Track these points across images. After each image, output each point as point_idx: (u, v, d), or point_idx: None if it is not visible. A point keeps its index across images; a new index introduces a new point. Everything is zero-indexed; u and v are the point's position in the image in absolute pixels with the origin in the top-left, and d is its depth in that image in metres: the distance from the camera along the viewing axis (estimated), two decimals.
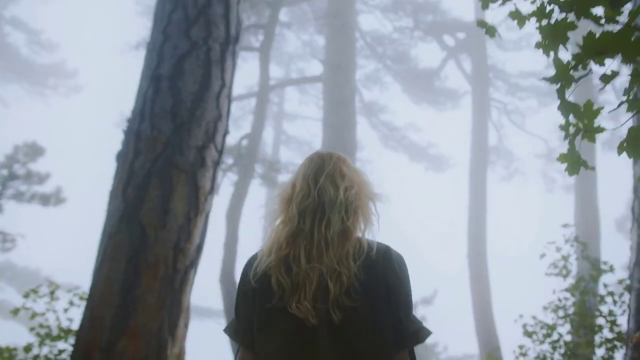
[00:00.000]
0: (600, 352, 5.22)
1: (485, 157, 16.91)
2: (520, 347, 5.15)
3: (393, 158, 21.71)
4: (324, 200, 1.62)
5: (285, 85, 15.77)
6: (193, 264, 4.45)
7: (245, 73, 19.76)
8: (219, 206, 11.91)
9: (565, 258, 5.74)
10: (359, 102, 20.45)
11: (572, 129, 1.97)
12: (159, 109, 4.57)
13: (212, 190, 4.78)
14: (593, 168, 2.01)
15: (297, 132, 23.18)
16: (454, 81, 19.02)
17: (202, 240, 4.60)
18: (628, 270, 4.35)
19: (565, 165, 1.98)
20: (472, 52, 17.08)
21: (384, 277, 1.58)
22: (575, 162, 1.96)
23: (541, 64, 21.00)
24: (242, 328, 1.67)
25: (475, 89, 17.27)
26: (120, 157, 4.48)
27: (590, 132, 1.93)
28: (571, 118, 1.96)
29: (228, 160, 12.56)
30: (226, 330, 1.73)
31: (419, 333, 1.60)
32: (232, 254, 10.81)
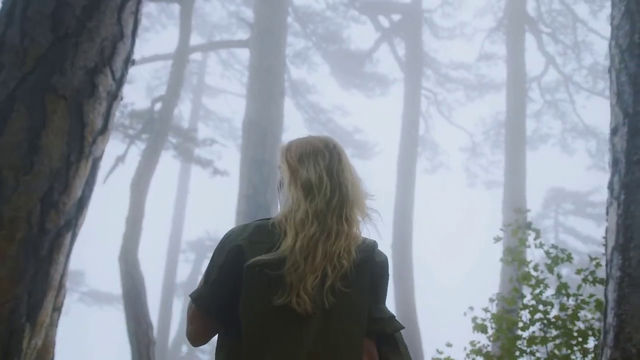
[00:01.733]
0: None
1: (414, 147, 16.44)
2: (473, 343, 4.41)
3: None
4: (345, 196, 1.69)
5: (207, 49, 14.43)
6: (70, 224, 3.27)
7: (164, 40, 18.14)
8: (124, 176, 10.49)
9: (522, 242, 5.08)
10: (285, 80, 19.42)
11: None
12: (34, 11, 3.33)
13: (105, 130, 3.58)
14: None
15: (217, 107, 21.81)
16: (385, 66, 18.47)
17: (86, 195, 3.42)
18: (605, 257, 3.73)
19: None
20: (407, 36, 16.54)
21: (372, 267, 1.69)
22: None
23: (472, 55, 20.94)
24: (215, 295, 1.63)
25: (408, 75, 16.74)
26: None
27: None
28: None
29: (138, 126, 11.14)
30: (194, 295, 1.67)
31: (384, 320, 1.68)
32: (135, 229, 9.47)
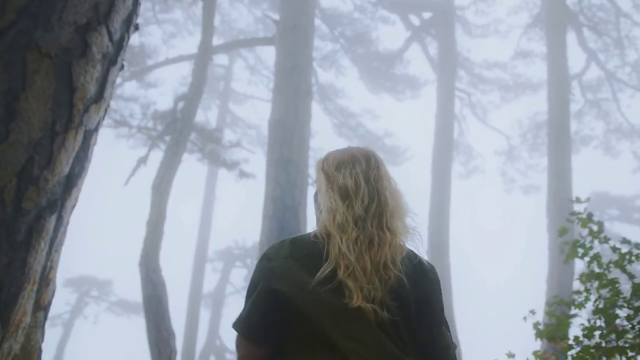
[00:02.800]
0: None
1: (449, 151, 15.71)
2: (538, 354, 3.72)
3: None
4: (384, 204, 1.65)
5: (231, 47, 14.03)
6: (55, 206, 2.74)
7: (190, 45, 17.88)
8: (146, 177, 10.08)
9: (593, 234, 4.39)
10: (313, 83, 18.97)
11: None
12: None
13: (101, 99, 3.06)
14: None
15: (245, 113, 21.45)
16: (416, 67, 17.84)
17: (76, 172, 2.90)
18: None
19: None
20: (439, 35, 15.89)
21: (416, 285, 1.59)
22: None
23: (507, 53, 20.10)
24: (254, 323, 1.60)
25: (441, 76, 16.07)
26: None
27: None
28: None
29: (161, 127, 10.76)
30: (236, 326, 1.65)
31: (449, 348, 1.61)
32: (156, 233, 9.02)
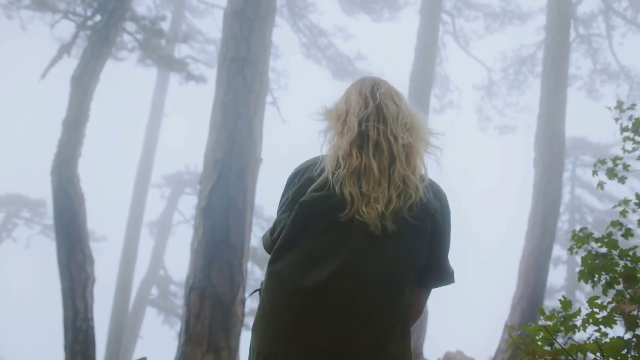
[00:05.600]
0: None
1: (429, 84, 14.05)
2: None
3: (314, 72, 18.53)
4: (385, 113, 1.65)
5: None
6: None
7: None
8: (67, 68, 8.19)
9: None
10: None
11: None
12: None
13: None
14: None
15: (204, 26, 19.19)
16: None
17: None
18: None
19: None
20: None
21: (435, 216, 1.61)
22: None
23: None
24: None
25: None
26: None
27: None
28: None
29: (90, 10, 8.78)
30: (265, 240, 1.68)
31: (453, 275, 1.71)
32: (75, 135, 7.27)
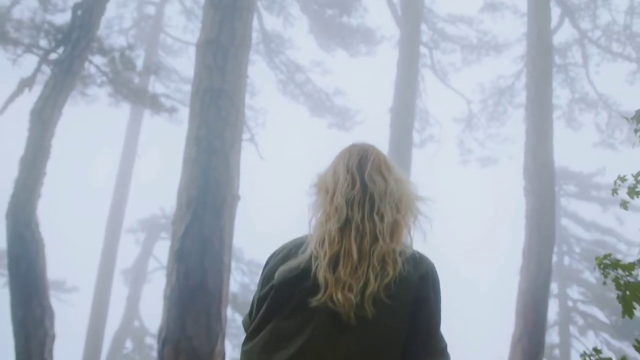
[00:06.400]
0: None
1: (410, 119, 13.75)
2: None
3: (292, 109, 18.09)
4: (372, 190, 1.60)
5: None
6: None
7: None
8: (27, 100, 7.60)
9: None
10: (256, 32, 16.64)
11: None
12: None
13: None
14: None
15: (179, 66, 18.79)
16: (374, 19, 15.81)
17: None
18: None
19: None
20: None
21: (416, 288, 1.54)
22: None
23: (475, 5, 18.44)
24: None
25: (406, 28, 14.10)
26: None
27: None
28: None
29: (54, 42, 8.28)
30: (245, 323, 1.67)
31: (445, 350, 1.59)
32: (33, 174, 6.61)
